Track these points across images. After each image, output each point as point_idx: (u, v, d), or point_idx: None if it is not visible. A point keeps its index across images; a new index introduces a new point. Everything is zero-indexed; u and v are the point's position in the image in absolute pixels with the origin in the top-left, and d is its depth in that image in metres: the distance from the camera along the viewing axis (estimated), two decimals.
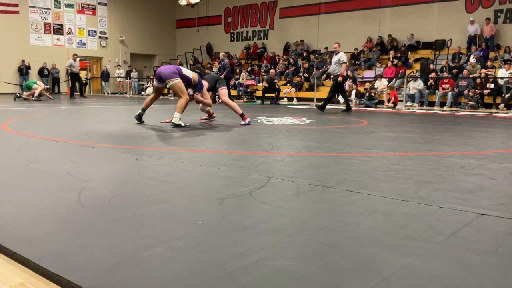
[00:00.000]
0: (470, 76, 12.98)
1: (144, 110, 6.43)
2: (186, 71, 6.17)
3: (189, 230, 1.82)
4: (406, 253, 1.59)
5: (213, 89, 7.00)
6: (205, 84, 6.69)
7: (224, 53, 14.58)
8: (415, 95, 13.61)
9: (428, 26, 15.84)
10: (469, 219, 2.00)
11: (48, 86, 15.71)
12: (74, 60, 15.51)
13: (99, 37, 22.07)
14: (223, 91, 6.89)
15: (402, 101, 13.17)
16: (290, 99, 16.11)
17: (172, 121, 5.91)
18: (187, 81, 6.12)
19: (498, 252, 1.62)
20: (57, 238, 1.71)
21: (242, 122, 6.50)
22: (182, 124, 5.89)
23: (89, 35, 21.71)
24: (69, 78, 16.81)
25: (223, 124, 6.59)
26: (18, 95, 13.82)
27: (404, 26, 16.24)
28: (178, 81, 5.97)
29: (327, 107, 10.88)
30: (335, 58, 10.07)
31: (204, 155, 3.78)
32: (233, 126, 6.29)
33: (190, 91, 6.28)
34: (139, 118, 6.36)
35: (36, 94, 13.55)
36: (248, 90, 16.96)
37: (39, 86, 13.84)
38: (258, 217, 1.99)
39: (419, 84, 13.67)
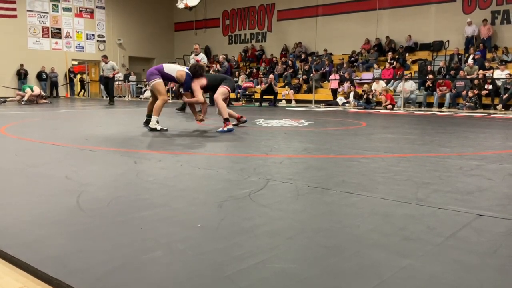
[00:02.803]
0: (468, 77, 13.01)
1: (149, 115, 6.29)
2: (170, 69, 5.80)
3: (188, 233, 1.81)
4: (405, 254, 1.59)
5: (213, 88, 6.14)
6: (202, 82, 5.95)
7: (223, 56, 14.62)
8: (411, 97, 13.62)
9: (426, 28, 15.87)
10: (468, 220, 2.00)
11: (43, 94, 15.33)
12: (105, 62, 13.88)
13: (97, 40, 22.07)
14: (221, 89, 6.05)
15: (398, 102, 13.19)
16: (288, 101, 16.12)
17: (149, 125, 5.78)
18: (169, 79, 5.88)
19: (497, 253, 1.62)
20: (56, 242, 1.71)
21: (220, 129, 5.81)
22: (158, 128, 5.71)
23: (87, 38, 21.70)
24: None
25: (221, 126, 6.56)
26: (3, 100, 13.86)
27: (401, 28, 16.28)
28: (156, 82, 5.73)
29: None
30: (196, 58, 10.29)
31: (203, 158, 3.78)
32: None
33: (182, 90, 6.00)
34: (148, 124, 6.25)
35: (25, 98, 13.61)
36: (247, 92, 16.99)
37: (30, 91, 13.85)
38: (257, 220, 1.99)
39: (411, 85, 13.65)
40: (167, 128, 5.90)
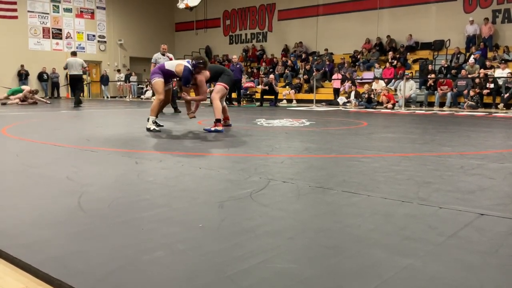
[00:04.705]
0: (469, 76, 13.00)
1: (156, 116, 6.23)
2: (170, 65, 5.75)
3: (189, 233, 1.81)
4: (406, 254, 1.59)
5: (215, 79, 6.05)
6: (206, 74, 5.84)
7: (235, 56, 14.58)
8: (412, 96, 13.59)
9: (427, 27, 15.86)
10: (470, 219, 2.00)
11: (33, 89, 15.11)
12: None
13: (98, 41, 22.08)
14: (217, 87, 5.96)
15: (399, 101, 13.18)
16: (289, 101, 16.12)
17: (147, 126, 5.78)
18: (171, 75, 5.79)
19: (499, 252, 1.62)
20: (57, 243, 1.71)
21: (206, 127, 5.76)
22: (151, 128, 5.68)
23: (88, 39, 21.72)
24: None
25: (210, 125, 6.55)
26: (4, 103, 13.94)
27: (402, 27, 16.26)
28: (155, 81, 5.72)
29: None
30: (169, 56, 10.19)
31: (204, 158, 3.78)
32: (232, 128, 6.28)
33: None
34: (156, 124, 6.19)
35: (21, 96, 13.78)
36: (247, 92, 16.98)
37: (23, 89, 14.06)
38: (258, 220, 1.99)
39: (412, 85, 13.60)
40: (160, 129, 5.80)
